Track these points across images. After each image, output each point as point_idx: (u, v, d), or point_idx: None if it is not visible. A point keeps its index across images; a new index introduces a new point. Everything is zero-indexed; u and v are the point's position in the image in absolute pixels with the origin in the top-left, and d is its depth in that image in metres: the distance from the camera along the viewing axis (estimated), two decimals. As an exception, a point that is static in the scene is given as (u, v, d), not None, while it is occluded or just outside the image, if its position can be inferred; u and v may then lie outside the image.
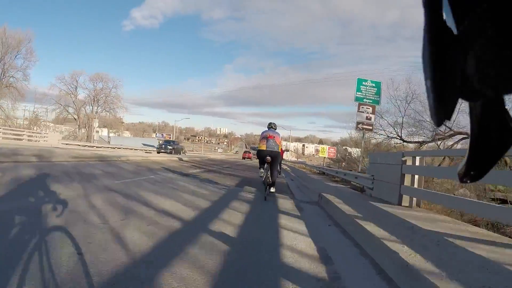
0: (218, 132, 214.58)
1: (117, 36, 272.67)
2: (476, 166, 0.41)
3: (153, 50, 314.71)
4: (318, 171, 26.46)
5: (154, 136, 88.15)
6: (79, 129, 54.32)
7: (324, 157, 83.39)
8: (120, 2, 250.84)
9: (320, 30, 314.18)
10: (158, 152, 33.34)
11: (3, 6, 73.17)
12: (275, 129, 8.04)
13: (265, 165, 7.57)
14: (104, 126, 63.58)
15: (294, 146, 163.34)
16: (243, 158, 66.02)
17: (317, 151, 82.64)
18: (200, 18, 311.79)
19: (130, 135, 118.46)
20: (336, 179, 17.59)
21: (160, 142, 44.99)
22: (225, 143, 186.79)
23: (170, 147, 36.02)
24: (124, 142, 64.41)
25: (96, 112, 54.54)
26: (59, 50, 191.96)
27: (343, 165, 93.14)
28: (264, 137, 7.70)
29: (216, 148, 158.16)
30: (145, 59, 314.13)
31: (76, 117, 54.39)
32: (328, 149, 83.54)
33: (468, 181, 0.44)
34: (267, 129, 8.00)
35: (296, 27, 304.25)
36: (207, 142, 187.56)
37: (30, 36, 40.03)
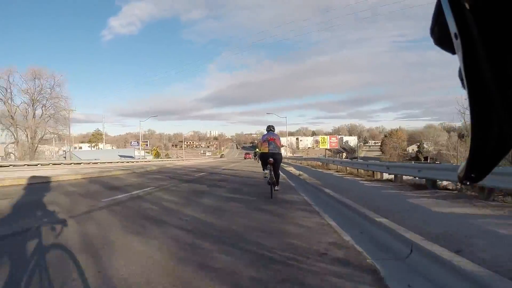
0: (208, 135, 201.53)
1: (97, 47, 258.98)
2: (476, 169, 0.41)
3: (135, 58, 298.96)
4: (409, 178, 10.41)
5: (130, 145, 74.43)
6: (16, 144, 40.12)
7: (326, 149, 70.74)
8: (97, 13, 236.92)
9: (300, 19, 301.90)
10: None
11: None
12: (274, 131, 8.29)
13: (268, 166, 7.85)
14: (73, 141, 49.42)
15: (288, 140, 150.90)
16: (245, 158, 68.87)
17: (316, 142, 69.50)
18: (179, 21, 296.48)
19: (112, 147, 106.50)
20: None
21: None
22: (215, 145, 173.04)
23: None
24: (92, 156, 52.04)
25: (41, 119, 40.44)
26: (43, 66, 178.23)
27: (344, 156, 79.99)
28: (266, 140, 8.02)
29: (203, 151, 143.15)
30: (128, 68, 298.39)
31: (13, 129, 40.01)
32: (330, 139, 71.08)
33: (468, 183, 0.43)
34: (266, 132, 8.36)
35: (275, 19, 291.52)
36: (196, 146, 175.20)
37: None
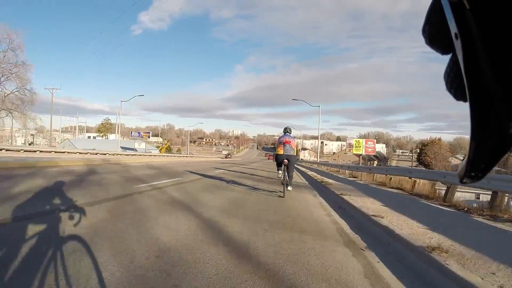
0: (231, 134, 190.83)
1: (127, 41, 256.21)
2: (476, 168, 0.40)
3: (163, 54, 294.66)
4: None
5: (130, 136, 63.00)
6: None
7: (360, 155, 56.66)
8: (127, 6, 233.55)
9: (331, 24, 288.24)
10: None
11: None
12: (290, 133, 8.37)
13: (283, 167, 7.98)
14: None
15: (311, 144, 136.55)
16: (268, 158, 64.01)
17: (350, 145, 54.93)
18: (209, 18, 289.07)
19: (123, 138, 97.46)
20: None
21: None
22: (234, 144, 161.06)
23: None
24: (90, 146, 42.41)
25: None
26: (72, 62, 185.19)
27: (375, 164, 65.55)
28: (281, 142, 8.14)
29: (215, 149, 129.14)
30: (155, 63, 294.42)
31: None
32: (365, 143, 56.94)
33: (468, 182, 0.42)
34: (283, 133, 8.46)
35: (306, 22, 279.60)
36: (215, 144, 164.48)
37: None
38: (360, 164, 54.78)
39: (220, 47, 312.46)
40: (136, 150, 58.16)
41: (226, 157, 72.95)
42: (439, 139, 76.15)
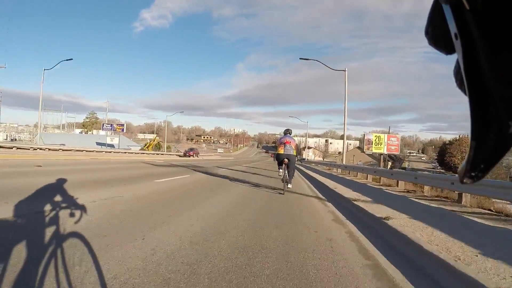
0: (231, 132, 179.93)
1: (128, 38, 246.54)
2: (476, 168, 0.39)
3: (165, 52, 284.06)
4: None
5: (102, 129, 50.60)
6: None
7: (381, 154, 44.03)
8: (129, 3, 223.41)
9: (332, 24, 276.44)
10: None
11: None
12: (291, 134, 8.56)
13: (283, 166, 8.21)
14: None
15: (315, 142, 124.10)
16: (271, 156, 54.97)
17: (368, 142, 41.81)
18: (211, 17, 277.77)
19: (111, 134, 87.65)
20: None
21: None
22: (233, 142, 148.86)
23: None
24: (64, 141, 36.70)
25: None
26: (72, 56, 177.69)
27: (389, 165, 51.86)
28: (282, 143, 8.35)
29: (204, 147, 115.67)
30: (157, 61, 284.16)
31: None
32: (388, 139, 44.26)
33: (468, 182, 0.41)
34: (284, 134, 8.63)
35: (307, 21, 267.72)
36: (213, 142, 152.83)
37: None
38: (381, 166, 42.37)
39: (221, 46, 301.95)
40: (112, 146, 46.68)
41: (185, 155, 45.30)
42: (467, 136, 63.21)
